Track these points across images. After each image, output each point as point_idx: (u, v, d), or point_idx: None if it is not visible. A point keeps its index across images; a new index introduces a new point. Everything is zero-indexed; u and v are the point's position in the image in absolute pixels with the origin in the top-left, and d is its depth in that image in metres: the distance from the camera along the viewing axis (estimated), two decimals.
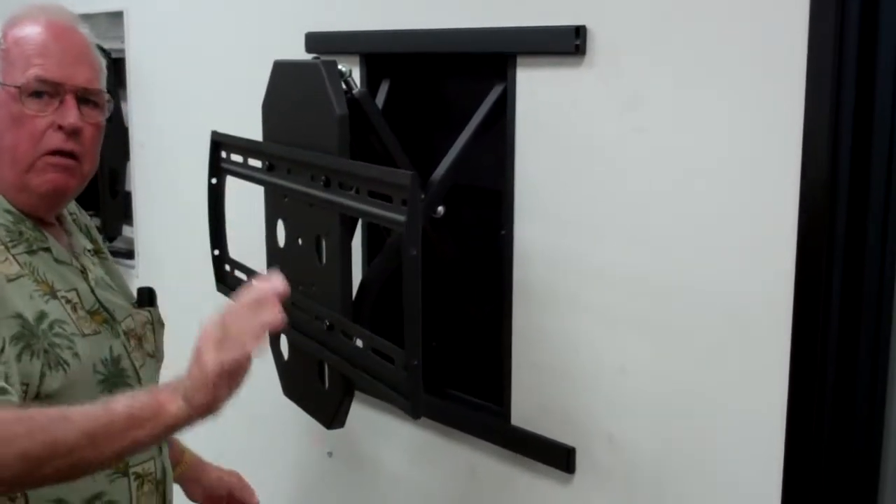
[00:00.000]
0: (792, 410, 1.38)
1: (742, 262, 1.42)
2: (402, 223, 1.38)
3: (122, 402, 1.27)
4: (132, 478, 1.54)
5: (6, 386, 1.32)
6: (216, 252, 2.03)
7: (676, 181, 1.49)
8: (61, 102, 1.47)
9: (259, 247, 1.96)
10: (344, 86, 1.67)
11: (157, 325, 1.68)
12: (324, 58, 1.73)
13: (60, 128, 1.47)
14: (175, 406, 1.26)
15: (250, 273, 1.96)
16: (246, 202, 1.97)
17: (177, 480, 1.81)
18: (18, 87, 1.45)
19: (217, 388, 1.26)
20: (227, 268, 2.03)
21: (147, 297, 1.69)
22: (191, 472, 1.87)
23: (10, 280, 1.42)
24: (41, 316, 1.42)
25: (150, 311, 1.67)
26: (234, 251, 2.04)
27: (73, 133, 1.48)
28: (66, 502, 1.46)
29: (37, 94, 1.46)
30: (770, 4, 1.36)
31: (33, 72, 1.45)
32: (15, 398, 1.31)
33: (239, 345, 1.27)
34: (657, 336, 1.54)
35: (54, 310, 1.45)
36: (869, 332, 1.37)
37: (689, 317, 1.49)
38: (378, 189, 1.48)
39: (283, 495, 2.42)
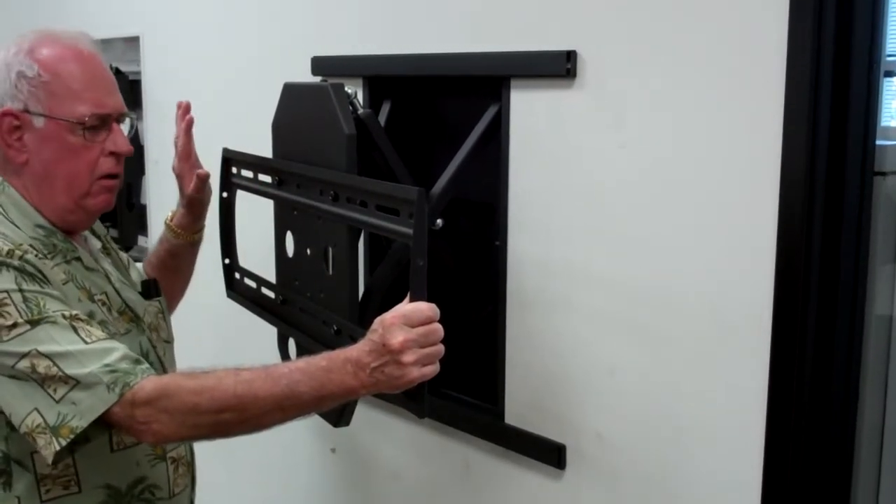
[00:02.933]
0: (771, 408, 1.37)
1: (723, 269, 1.42)
2: (411, 235, 1.37)
3: (309, 383, 1.30)
4: (169, 462, 1.55)
5: (139, 357, 1.35)
6: (227, 261, 2.01)
7: (660, 193, 1.48)
8: (109, 130, 1.47)
9: (265, 256, 1.95)
10: (350, 107, 1.66)
11: (165, 312, 1.68)
12: (330, 80, 1.72)
13: (111, 153, 1.47)
14: (363, 390, 1.31)
15: (259, 281, 1.94)
16: (256, 215, 1.95)
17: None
18: (81, 123, 1.44)
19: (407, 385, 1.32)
20: (237, 276, 2.01)
21: (154, 289, 1.67)
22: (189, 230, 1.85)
23: (63, 284, 1.42)
24: (91, 315, 1.42)
25: (159, 301, 1.66)
26: (244, 260, 2.02)
27: (122, 156, 1.50)
28: (113, 487, 1.48)
29: (92, 128, 1.45)
30: (748, 29, 1.35)
31: (88, 108, 1.44)
32: (151, 368, 1.35)
33: (436, 360, 1.32)
34: (644, 339, 1.53)
35: (97, 312, 1.45)
36: (844, 337, 1.37)
37: (673, 320, 1.48)
38: (387, 204, 1.47)
39: (289, 489, 2.41)
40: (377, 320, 1.32)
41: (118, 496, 1.48)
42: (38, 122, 1.44)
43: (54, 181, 1.46)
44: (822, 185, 1.32)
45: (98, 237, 1.65)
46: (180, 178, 1.83)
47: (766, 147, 1.34)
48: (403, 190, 1.44)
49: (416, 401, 1.40)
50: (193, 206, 1.82)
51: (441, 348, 1.32)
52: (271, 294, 1.91)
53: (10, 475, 1.42)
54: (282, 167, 1.79)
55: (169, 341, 1.66)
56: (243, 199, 1.96)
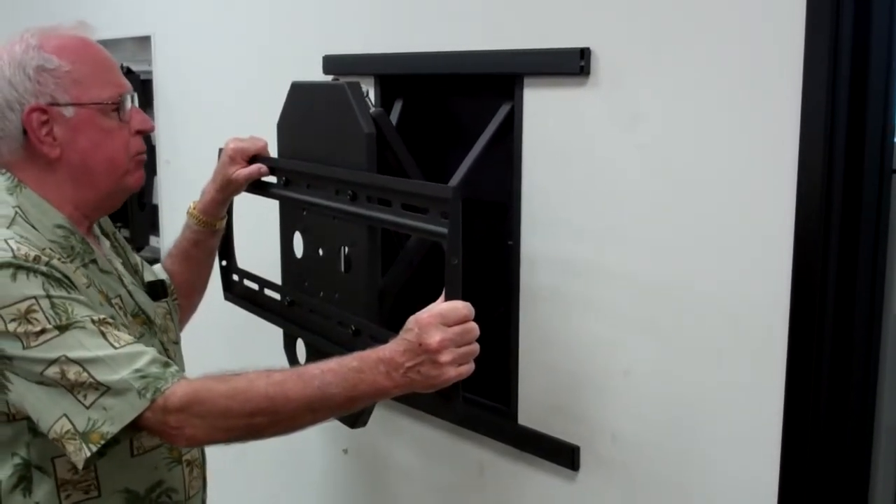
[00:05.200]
0: (788, 410, 1.36)
1: (741, 269, 1.41)
2: (443, 234, 1.36)
3: (341, 384, 1.30)
4: (184, 465, 1.55)
5: (168, 359, 1.34)
6: (223, 263, 1.98)
7: (676, 193, 1.47)
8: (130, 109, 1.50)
9: (267, 257, 1.94)
10: None
11: (174, 313, 1.67)
12: (342, 79, 1.72)
13: (138, 132, 1.50)
14: (396, 390, 1.31)
15: (261, 282, 1.93)
16: (256, 215, 1.94)
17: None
18: (114, 104, 1.45)
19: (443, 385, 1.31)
20: (235, 277, 2.00)
21: (161, 289, 1.67)
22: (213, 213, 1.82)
23: (86, 287, 1.41)
24: (112, 318, 1.41)
25: (167, 302, 1.65)
26: (250, 263, 2.01)
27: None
28: (132, 491, 1.47)
29: (121, 107, 1.47)
30: (765, 27, 1.34)
31: (113, 89, 1.46)
32: (180, 371, 1.34)
33: (472, 359, 1.32)
34: (658, 339, 1.52)
35: (116, 316, 1.44)
36: (862, 337, 1.36)
37: (689, 321, 1.47)
38: (417, 203, 1.45)
39: (300, 489, 2.40)
40: (412, 319, 1.31)
41: (136, 500, 1.48)
42: (69, 112, 1.43)
43: (95, 167, 1.46)
44: (840, 184, 1.31)
45: (107, 235, 1.64)
46: (232, 158, 1.79)
47: (784, 146, 1.33)
48: (436, 188, 1.42)
49: (451, 400, 1.39)
50: (229, 187, 1.79)
51: (477, 347, 1.32)
52: (276, 296, 1.90)
53: (30, 481, 1.41)
54: (288, 167, 1.78)
55: (177, 342, 1.66)
56: (244, 199, 1.95)
